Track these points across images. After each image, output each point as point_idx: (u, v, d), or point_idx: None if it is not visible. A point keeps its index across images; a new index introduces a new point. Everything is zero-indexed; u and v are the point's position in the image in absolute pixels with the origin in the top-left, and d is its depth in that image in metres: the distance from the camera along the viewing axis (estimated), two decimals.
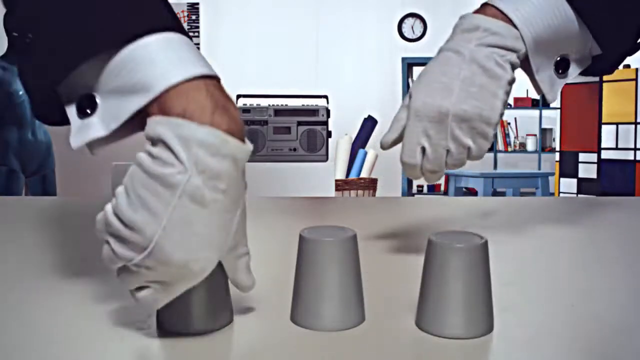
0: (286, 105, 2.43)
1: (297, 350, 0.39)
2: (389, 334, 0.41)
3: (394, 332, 0.42)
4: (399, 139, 0.62)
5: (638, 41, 0.66)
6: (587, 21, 0.61)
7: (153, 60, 0.40)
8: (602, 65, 0.65)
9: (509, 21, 0.59)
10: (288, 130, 2.37)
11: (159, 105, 0.39)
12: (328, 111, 2.43)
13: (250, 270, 0.43)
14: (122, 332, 0.41)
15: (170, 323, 0.41)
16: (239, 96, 2.58)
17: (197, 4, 5.38)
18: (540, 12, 0.59)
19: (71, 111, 0.43)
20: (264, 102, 2.43)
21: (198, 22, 5.37)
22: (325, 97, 2.58)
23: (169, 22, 0.43)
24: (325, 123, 2.42)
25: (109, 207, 0.39)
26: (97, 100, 0.43)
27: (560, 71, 0.64)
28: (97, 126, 0.42)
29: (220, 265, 0.40)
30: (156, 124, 0.38)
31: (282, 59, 5.41)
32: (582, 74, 0.67)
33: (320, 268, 0.42)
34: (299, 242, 0.43)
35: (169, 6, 0.45)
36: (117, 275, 0.40)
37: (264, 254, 0.69)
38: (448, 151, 0.59)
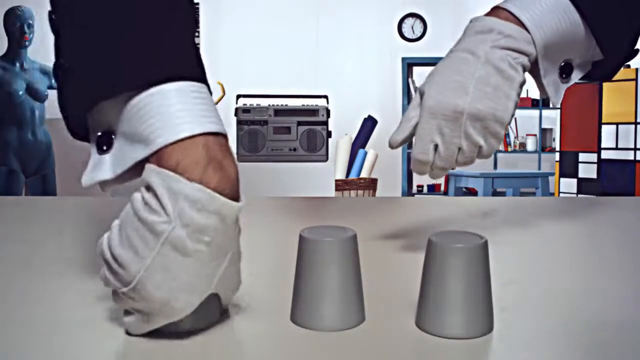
0: (286, 105, 2.43)
1: (297, 350, 0.39)
2: (389, 334, 0.41)
3: (394, 332, 0.42)
4: (407, 139, 0.63)
5: (635, 47, 0.67)
6: (593, 27, 0.62)
7: (162, 113, 0.41)
8: (602, 71, 0.66)
9: (521, 24, 0.60)
10: (288, 130, 2.37)
11: (157, 155, 0.41)
12: (328, 111, 2.43)
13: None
14: (122, 332, 0.41)
15: None
16: (239, 96, 2.58)
17: (197, 4, 5.38)
18: (549, 16, 0.60)
19: (92, 146, 0.46)
20: (264, 102, 2.43)
21: (198, 22, 5.37)
22: (325, 97, 2.57)
23: (190, 71, 0.44)
24: (325, 123, 2.42)
25: (105, 238, 0.41)
26: (114, 139, 0.44)
27: (563, 76, 0.65)
28: (106, 167, 0.44)
29: None
30: (151, 172, 0.40)
31: (282, 59, 5.41)
32: (582, 78, 0.68)
33: (320, 268, 0.42)
34: (299, 242, 0.43)
35: (197, 52, 0.46)
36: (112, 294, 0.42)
37: (264, 253, 0.69)
38: (459, 149, 0.60)
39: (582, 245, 0.76)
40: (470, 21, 0.63)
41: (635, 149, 4.22)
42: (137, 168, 0.42)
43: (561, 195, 4.58)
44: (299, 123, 2.41)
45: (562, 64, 0.64)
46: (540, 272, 0.61)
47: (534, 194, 4.42)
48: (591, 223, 0.91)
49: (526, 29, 0.60)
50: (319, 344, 0.40)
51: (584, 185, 4.48)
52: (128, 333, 0.41)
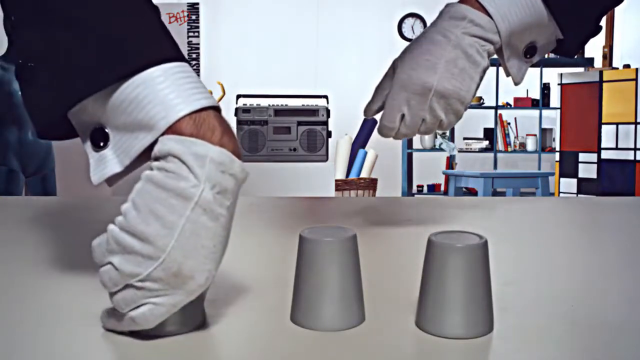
0: (286, 105, 2.43)
1: (297, 350, 0.39)
2: (389, 334, 0.41)
3: (394, 332, 0.42)
4: (381, 107, 0.69)
5: (599, 24, 0.71)
6: (554, 11, 0.67)
7: (155, 97, 0.41)
8: (566, 48, 0.71)
9: (489, 15, 0.66)
10: (288, 130, 2.37)
11: (170, 130, 0.41)
12: (328, 111, 2.43)
13: None
14: (121, 332, 0.41)
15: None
16: (239, 96, 2.58)
17: (197, 4, 5.38)
18: (513, 7, 0.65)
19: (87, 145, 0.45)
20: (264, 102, 2.43)
21: (198, 22, 5.37)
22: (325, 97, 2.57)
23: (169, 52, 0.43)
24: (325, 123, 2.42)
25: (113, 227, 0.40)
26: (109, 132, 0.44)
27: (527, 56, 0.70)
28: (112, 161, 0.44)
29: None
30: (168, 141, 0.40)
31: (282, 59, 5.41)
32: (550, 54, 0.74)
33: (320, 268, 0.42)
34: (299, 242, 0.43)
35: (168, 33, 0.45)
36: (112, 297, 0.40)
37: (264, 254, 0.69)
38: (423, 120, 0.67)
39: (582, 245, 0.76)
40: (446, 6, 0.69)
41: (635, 149, 4.22)
42: (142, 157, 0.43)
43: (561, 195, 4.58)
44: (299, 123, 2.41)
45: (528, 46, 0.69)
46: (540, 272, 0.60)
47: (534, 194, 4.42)
48: (591, 223, 0.91)
49: (492, 19, 0.65)
50: (319, 344, 0.40)
51: (584, 185, 4.48)
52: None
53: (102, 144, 0.44)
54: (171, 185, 0.39)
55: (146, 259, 0.38)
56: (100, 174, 0.44)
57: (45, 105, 0.45)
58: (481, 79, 0.67)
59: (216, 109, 0.43)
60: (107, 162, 0.44)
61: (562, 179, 4.60)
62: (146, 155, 0.43)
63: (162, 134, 0.41)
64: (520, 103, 5.43)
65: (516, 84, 0.72)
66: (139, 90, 0.42)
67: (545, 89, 5.38)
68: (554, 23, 0.68)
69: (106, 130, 0.44)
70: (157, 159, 0.40)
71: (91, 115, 0.44)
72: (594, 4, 0.70)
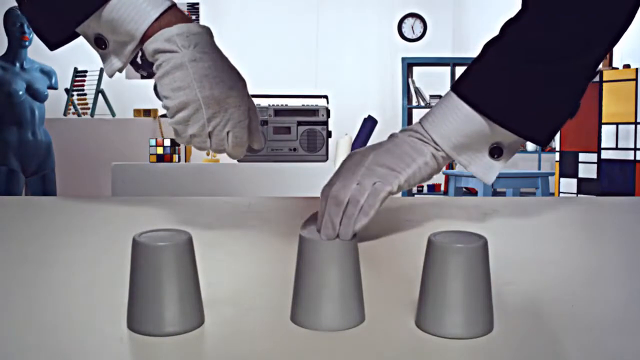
0: (286, 105, 2.43)
1: (297, 350, 0.39)
2: (389, 334, 0.41)
3: (394, 332, 0.42)
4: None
5: (576, 104, 0.72)
6: (503, 125, 0.69)
7: (129, 14, 0.65)
8: (536, 141, 0.72)
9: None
10: (288, 130, 2.37)
11: (145, 36, 0.66)
12: (328, 111, 2.43)
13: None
14: (121, 332, 0.41)
15: (141, 325, 0.41)
16: None
17: (197, 4, 5.38)
18: (456, 130, 0.69)
19: (93, 46, 0.70)
20: (264, 102, 2.43)
21: (198, 22, 5.38)
22: (325, 97, 2.58)
23: None
24: (325, 123, 2.42)
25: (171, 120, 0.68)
26: (107, 40, 0.68)
27: (495, 156, 0.72)
28: (115, 59, 0.70)
29: (192, 268, 0.41)
30: (149, 45, 0.66)
31: (282, 59, 5.41)
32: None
33: (320, 268, 0.42)
34: (299, 242, 0.43)
35: None
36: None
37: (264, 254, 0.68)
38: (358, 183, 0.66)
39: (582, 245, 0.76)
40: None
41: (635, 149, 4.22)
42: (133, 51, 0.69)
43: (561, 195, 4.58)
44: (299, 123, 2.41)
45: (492, 147, 0.72)
46: (540, 272, 0.60)
47: (534, 194, 4.42)
48: (591, 223, 0.91)
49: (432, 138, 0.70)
50: (319, 344, 0.40)
51: (584, 185, 4.48)
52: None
53: (103, 47, 0.69)
54: (168, 68, 0.65)
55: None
56: (110, 69, 0.70)
57: (56, 26, 0.68)
58: (428, 173, 0.69)
59: (173, 6, 0.67)
60: (112, 60, 0.70)
61: (562, 179, 4.60)
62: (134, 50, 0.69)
63: (141, 39, 0.66)
64: None
65: (487, 183, 0.74)
66: (115, 10, 0.65)
67: None
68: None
69: (104, 37, 0.68)
70: (151, 58, 0.67)
71: (91, 29, 0.68)
72: (547, 114, 0.71)
